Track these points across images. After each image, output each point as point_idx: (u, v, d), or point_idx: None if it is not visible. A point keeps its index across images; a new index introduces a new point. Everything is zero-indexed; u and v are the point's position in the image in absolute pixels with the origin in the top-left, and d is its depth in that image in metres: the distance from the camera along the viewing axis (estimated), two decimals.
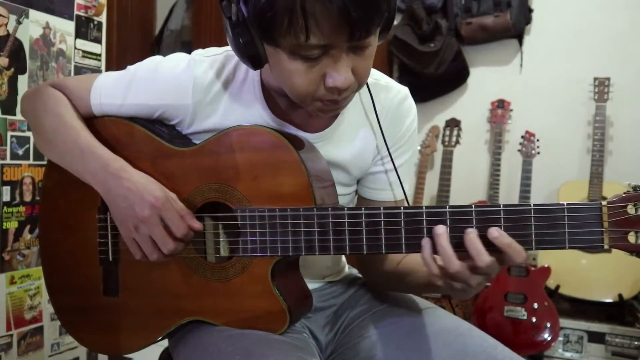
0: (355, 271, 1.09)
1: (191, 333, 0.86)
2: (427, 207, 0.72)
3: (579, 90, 2.49)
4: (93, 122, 0.91)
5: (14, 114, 1.51)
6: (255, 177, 0.81)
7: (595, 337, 2.21)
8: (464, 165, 2.66)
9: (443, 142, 2.61)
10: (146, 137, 0.88)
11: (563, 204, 0.69)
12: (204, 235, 0.86)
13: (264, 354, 0.74)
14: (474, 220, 0.70)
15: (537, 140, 2.37)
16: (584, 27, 2.52)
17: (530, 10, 2.58)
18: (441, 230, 0.70)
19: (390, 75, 2.72)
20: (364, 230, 0.75)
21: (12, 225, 1.53)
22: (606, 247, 0.69)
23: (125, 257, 0.90)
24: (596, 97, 2.38)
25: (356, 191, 0.99)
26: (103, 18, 1.78)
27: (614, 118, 2.46)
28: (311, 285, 0.92)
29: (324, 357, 0.94)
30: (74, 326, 0.96)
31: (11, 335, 1.53)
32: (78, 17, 1.69)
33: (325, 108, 0.78)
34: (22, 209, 1.55)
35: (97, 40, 1.77)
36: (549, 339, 2.16)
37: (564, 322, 2.22)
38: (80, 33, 1.70)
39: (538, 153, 2.36)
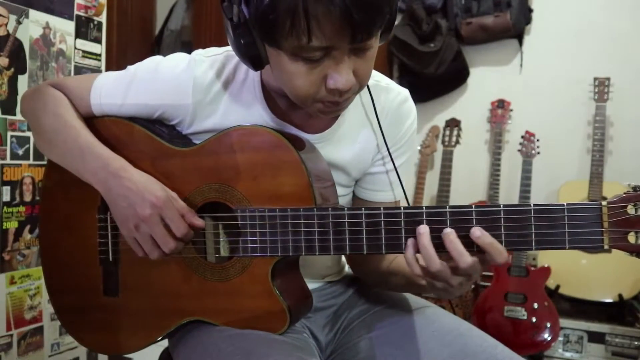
0: None
1: (191, 333, 0.86)
2: (427, 207, 0.73)
3: (579, 90, 2.49)
4: (93, 122, 0.91)
5: (14, 114, 1.51)
6: (256, 177, 0.81)
7: (595, 337, 2.21)
8: (464, 165, 2.66)
9: (443, 142, 2.61)
10: (146, 137, 0.88)
11: (563, 204, 0.69)
12: (204, 235, 0.86)
13: (264, 354, 0.74)
14: (474, 220, 0.70)
15: (537, 140, 2.37)
16: (584, 27, 2.52)
17: (530, 10, 2.58)
18: (423, 230, 0.71)
19: (390, 75, 2.72)
20: (364, 230, 0.75)
21: (12, 225, 1.53)
22: (606, 247, 0.69)
23: (125, 257, 0.90)
24: (596, 97, 2.38)
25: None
26: (103, 18, 1.78)
27: (614, 118, 2.46)
28: (311, 285, 0.92)
29: (324, 357, 0.94)
30: (74, 326, 0.96)
31: (11, 335, 1.53)
32: (78, 17, 1.69)
33: (326, 109, 0.78)
34: (22, 209, 1.55)
35: (97, 40, 1.77)
36: (549, 339, 2.16)
37: (564, 322, 2.22)
38: (80, 33, 1.70)
39: (538, 153, 2.36)
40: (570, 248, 0.69)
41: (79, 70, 1.71)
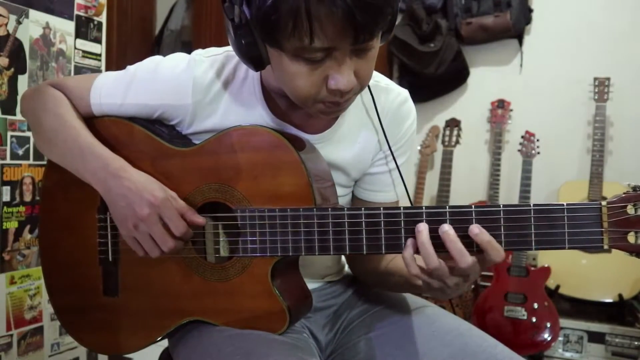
0: None
1: (191, 333, 0.86)
2: (427, 207, 0.73)
3: (579, 90, 2.49)
4: (93, 122, 0.91)
5: (14, 114, 1.51)
6: (255, 177, 0.81)
7: (595, 337, 2.22)
8: (464, 165, 2.66)
9: (443, 142, 2.61)
10: (146, 137, 0.88)
11: (563, 204, 0.69)
12: (203, 235, 0.86)
13: (264, 354, 0.74)
14: (474, 220, 0.70)
15: (537, 140, 2.37)
16: (584, 27, 2.52)
17: (530, 10, 2.58)
18: (422, 228, 0.71)
19: (390, 75, 2.72)
20: (363, 230, 0.75)
21: (12, 225, 1.53)
22: (606, 247, 0.69)
23: (125, 257, 0.90)
24: (596, 97, 2.38)
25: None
26: (103, 18, 1.78)
27: (614, 118, 2.46)
28: (311, 285, 0.92)
29: (324, 357, 0.94)
30: (74, 326, 0.96)
31: (11, 335, 1.53)
32: (78, 17, 1.69)
33: (327, 110, 0.78)
34: (22, 209, 1.55)
35: (97, 40, 1.77)
36: (549, 339, 2.16)
37: (564, 322, 2.22)
38: (80, 33, 1.70)
39: (538, 153, 2.36)
40: (570, 248, 0.69)
41: (79, 70, 1.71)
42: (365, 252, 0.75)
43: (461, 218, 0.71)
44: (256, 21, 0.69)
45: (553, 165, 2.53)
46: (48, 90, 0.92)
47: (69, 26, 1.66)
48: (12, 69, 1.50)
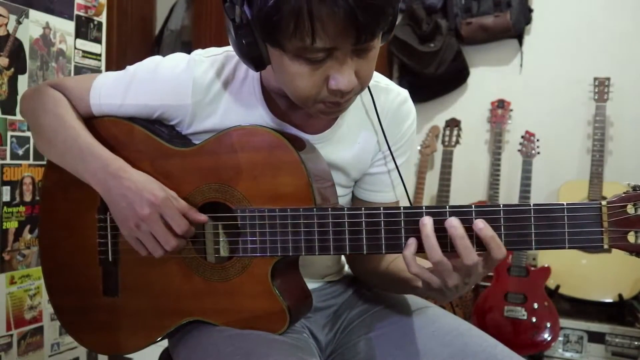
0: None
1: (191, 333, 0.86)
2: (427, 207, 0.73)
3: (579, 90, 2.49)
4: (93, 122, 0.91)
5: (14, 114, 1.51)
6: (255, 177, 0.81)
7: (595, 337, 2.22)
8: (464, 165, 2.66)
9: (443, 142, 2.61)
10: (146, 137, 0.87)
11: (563, 204, 0.69)
12: (204, 235, 0.86)
13: (264, 354, 0.74)
14: (474, 220, 0.70)
15: (537, 140, 2.37)
16: (584, 27, 2.52)
17: (530, 10, 2.58)
18: (427, 221, 0.70)
19: (390, 75, 2.72)
20: (363, 230, 0.75)
21: (12, 225, 1.53)
22: (606, 247, 0.69)
23: (125, 257, 0.90)
24: (596, 97, 2.38)
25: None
26: (103, 18, 1.78)
27: (614, 118, 2.46)
28: (311, 285, 0.92)
29: (324, 357, 0.94)
30: (74, 326, 0.96)
31: (11, 335, 1.53)
32: (78, 17, 1.69)
33: (327, 110, 0.78)
34: (22, 209, 1.55)
35: (97, 40, 1.77)
36: (549, 339, 2.16)
37: (564, 322, 2.22)
38: (80, 33, 1.70)
39: (538, 153, 2.36)
40: (570, 248, 0.69)
41: (79, 70, 1.71)
42: (365, 252, 0.75)
43: (461, 218, 0.71)
44: (257, 21, 0.69)
45: (553, 165, 2.53)
46: (47, 90, 0.92)
47: (69, 26, 1.66)
48: (12, 69, 1.50)
